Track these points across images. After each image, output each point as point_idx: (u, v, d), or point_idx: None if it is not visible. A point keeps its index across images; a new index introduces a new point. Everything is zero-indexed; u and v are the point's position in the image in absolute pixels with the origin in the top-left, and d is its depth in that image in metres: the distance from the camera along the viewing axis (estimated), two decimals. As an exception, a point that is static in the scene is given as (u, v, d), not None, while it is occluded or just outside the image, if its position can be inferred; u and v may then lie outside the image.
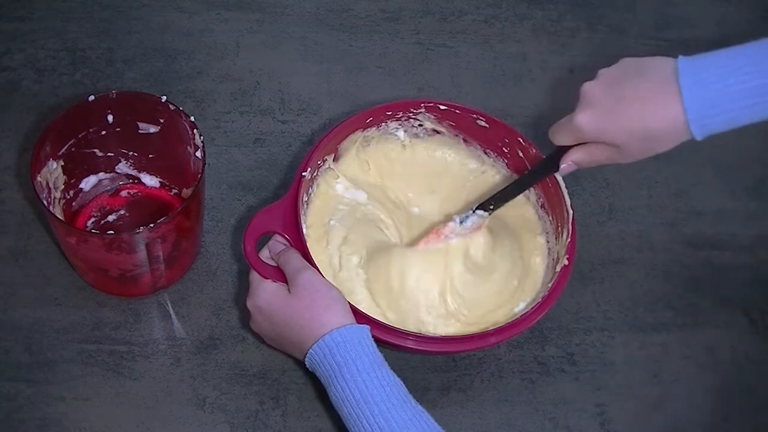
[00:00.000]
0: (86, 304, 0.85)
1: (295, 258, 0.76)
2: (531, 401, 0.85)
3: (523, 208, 0.90)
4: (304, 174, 0.82)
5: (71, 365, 0.82)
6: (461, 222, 0.83)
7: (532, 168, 0.83)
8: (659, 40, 1.15)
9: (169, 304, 0.87)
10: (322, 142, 0.84)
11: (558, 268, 0.81)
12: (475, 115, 0.89)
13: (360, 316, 0.75)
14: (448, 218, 0.85)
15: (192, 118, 0.82)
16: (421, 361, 0.86)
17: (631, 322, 0.91)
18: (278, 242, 0.79)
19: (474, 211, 0.83)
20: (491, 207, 0.83)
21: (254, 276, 0.77)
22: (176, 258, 0.84)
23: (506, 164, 0.91)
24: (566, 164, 0.77)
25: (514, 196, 0.83)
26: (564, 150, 0.77)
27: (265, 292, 0.75)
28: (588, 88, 0.72)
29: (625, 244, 0.97)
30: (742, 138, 1.08)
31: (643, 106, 0.69)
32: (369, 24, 1.11)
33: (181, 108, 0.83)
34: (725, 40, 1.16)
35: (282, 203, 0.80)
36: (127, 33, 1.06)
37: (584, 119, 0.71)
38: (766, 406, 0.88)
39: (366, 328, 0.73)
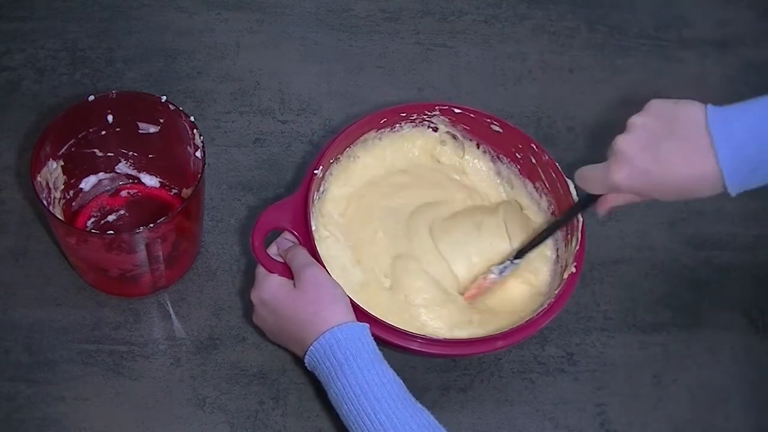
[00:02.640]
0: (86, 304, 0.85)
1: (302, 254, 0.76)
2: (531, 401, 0.85)
3: (534, 215, 0.90)
4: (315, 172, 0.82)
5: (71, 365, 0.82)
6: (500, 273, 0.84)
7: (565, 213, 0.84)
8: (659, 40, 1.15)
9: (169, 304, 0.87)
10: (335, 140, 0.84)
11: (566, 275, 0.81)
12: (489, 120, 0.89)
13: (363, 315, 0.75)
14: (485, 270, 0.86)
15: (192, 118, 0.82)
16: (421, 361, 0.86)
17: (631, 322, 0.91)
18: (286, 239, 0.79)
19: (512, 261, 0.84)
20: (526, 253, 0.85)
21: (260, 270, 0.77)
22: (176, 258, 0.84)
23: (518, 170, 0.91)
24: (605, 211, 0.79)
25: (546, 238, 0.84)
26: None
27: (270, 286, 0.76)
28: (622, 145, 0.71)
29: (625, 244, 0.97)
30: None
31: (679, 168, 0.69)
32: (369, 24, 1.11)
33: (181, 108, 0.83)
34: (725, 40, 1.17)
35: (292, 200, 0.80)
36: (127, 33, 1.06)
37: (621, 177, 0.71)
38: (766, 406, 0.88)
39: (365, 325, 0.73)
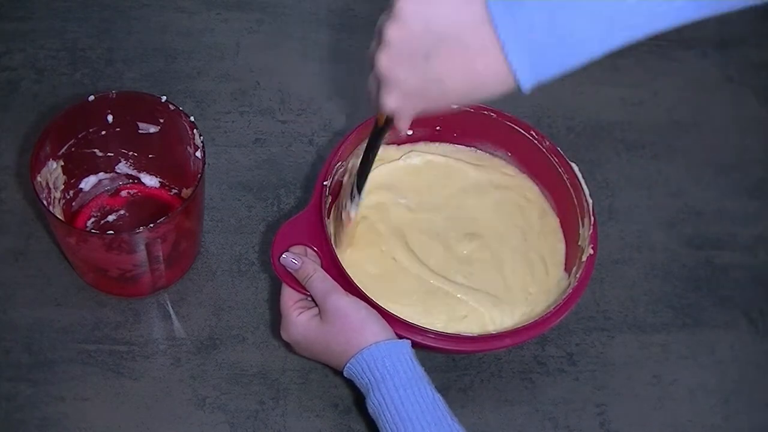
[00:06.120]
0: (86, 304, 0.85)
1: (317, 283, 0.76)
2: (531, 401, 0.85)
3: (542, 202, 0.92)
4: (325, 183, 0.82)
5: (71, 365, 0.82)
6: (356, 208, 0.80)
7: (372, 132, 0.75)
8: (659, 39, 1.14)
9: (169, 304, 0.87)
10: (339, 149, 0.84)
11: (584, 258, 0.82)
12: (486, 112, 0.89)
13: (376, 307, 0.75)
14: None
15: (192, 118, 0.82)
16: (421, 360, 0.85)
17: (631, 322, 0.91)
18: (289, 256, 0.77)
19: (358, 195, 0.79)
20: (363, 183, 0.78)
21: (284, 308, 0.77)
22: (176, 258, 0.84)
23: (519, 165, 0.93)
24: (405, 127, 0.67)
25: (371, 159, 0.76)
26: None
27: (297, 327, 0.76)
28: (383, 68, 0.61)
29: (625, 244, 0.97)
30: (742, 138, 1.08)
31: (457, 78, 0.57)
32: (369, 24, 1.10)
33: (181, 108, 0.83)
34: (725, 40, 1.17)
35: (305, 215, 0.80)
36: (127, 33, 1.06)
37: (394, 106, 0.62)
38: (766, 406, 0.88)
39: (405, 343, 0.73)
